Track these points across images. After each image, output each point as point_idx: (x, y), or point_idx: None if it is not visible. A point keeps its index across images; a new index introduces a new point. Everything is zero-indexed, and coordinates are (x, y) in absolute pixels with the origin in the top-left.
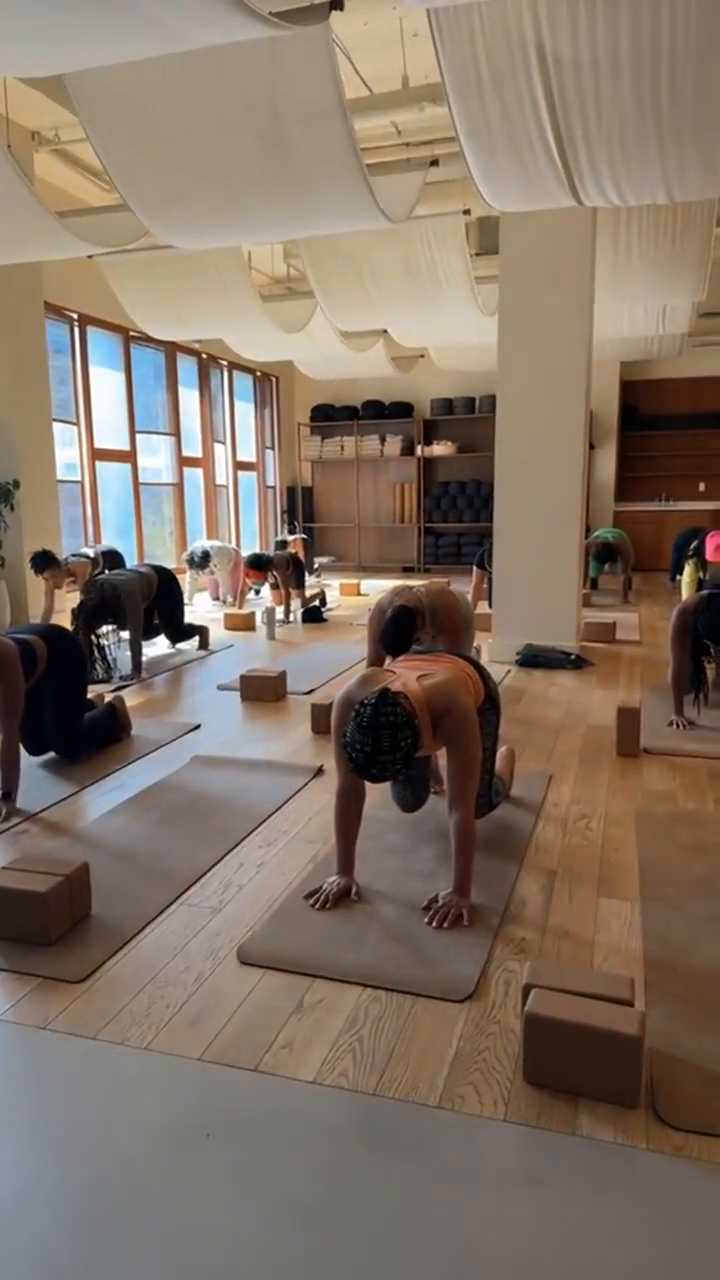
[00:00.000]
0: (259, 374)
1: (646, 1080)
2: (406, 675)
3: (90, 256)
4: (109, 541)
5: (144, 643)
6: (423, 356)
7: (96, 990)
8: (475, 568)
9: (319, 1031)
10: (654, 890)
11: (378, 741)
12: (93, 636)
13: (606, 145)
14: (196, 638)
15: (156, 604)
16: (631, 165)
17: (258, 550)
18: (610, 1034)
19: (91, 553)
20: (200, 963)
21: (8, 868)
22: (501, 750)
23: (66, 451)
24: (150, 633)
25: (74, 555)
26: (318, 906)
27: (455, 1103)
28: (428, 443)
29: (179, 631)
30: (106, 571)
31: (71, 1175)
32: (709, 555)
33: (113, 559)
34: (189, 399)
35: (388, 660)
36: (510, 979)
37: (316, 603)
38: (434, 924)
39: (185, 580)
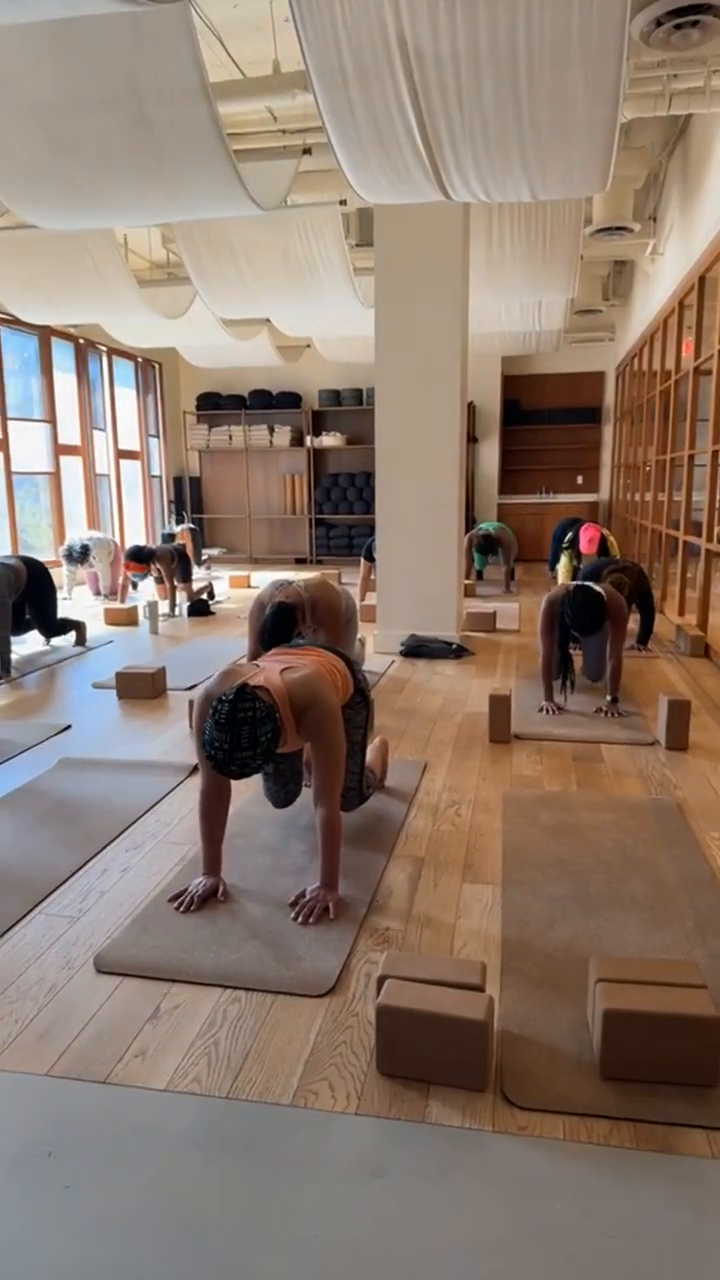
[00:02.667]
0: (141, 360)
1: (496, 1063)
2: (270, 669)
3: None
4: None
5: (14, 639)
6: (309, 347)
7: None
8: (363, 559)
9: (174, 1037)
10: (515, 874)
11: (236, 738)
12: None
13: (470, 142)
14: (73, 633)
15: (26, 598)
16: (495, 162)
17: (140, 542)
18: (457, 1020)
19: None
20: (54, 974)
21: None
22: (374, 742)
23: None
24: (21, 628)
25: None
26: (181, 909)
27: (308, 1099)
28: (317, 434)
29: (52, 626)
30: None
31: None
32: (583, 547)
33: None
34: (65, 385)
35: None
36: (372, 971)
37: (204, 596)
38: (299, 920)
39: (63, 574)
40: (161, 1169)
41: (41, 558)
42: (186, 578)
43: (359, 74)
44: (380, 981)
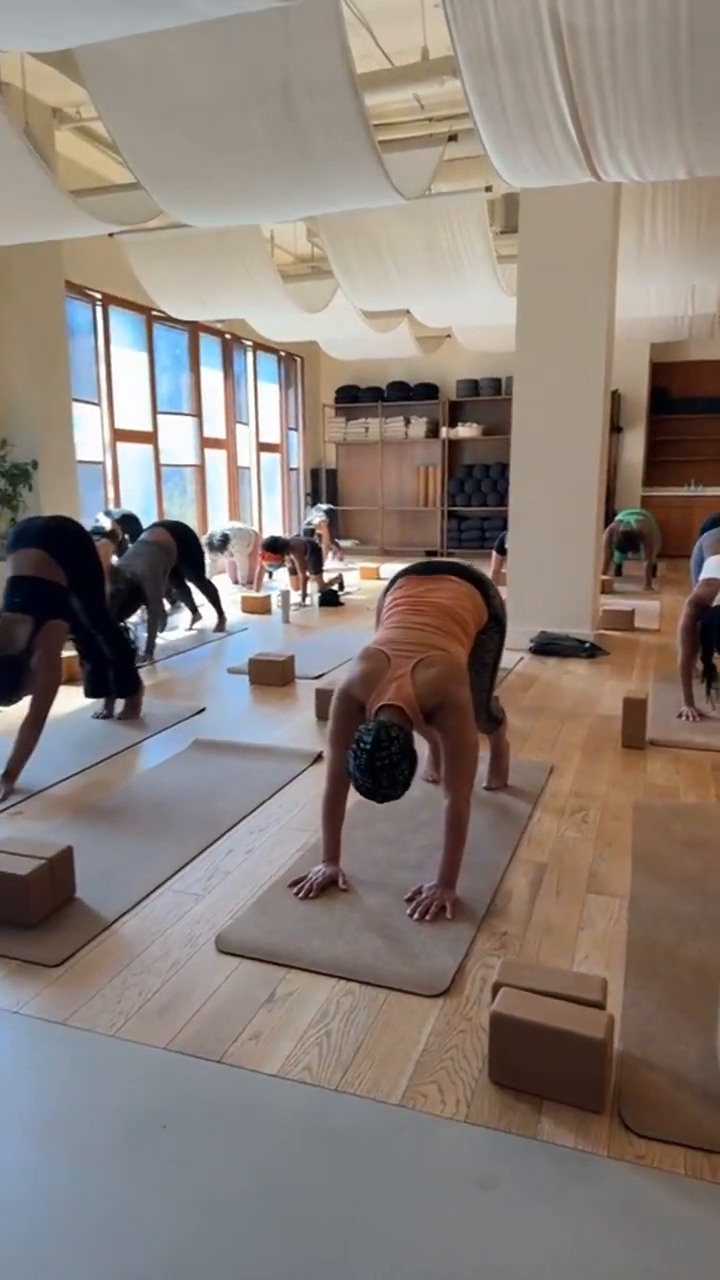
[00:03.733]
0: (284, 354)
1: (614, 1085)
2: (401, 670)
3: (111, 235)
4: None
5: (168, 614)
6: (449, 337)
7: (72, 975)
8: (495, 553)
9: (288, 1024)
10: (644, 887)
11: (377, 781)
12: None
13: (623, 119)
14: (216, 615)
15: (181, 562)
16: (650, 140)
17: (278, 533)
18: (576, 1037)
19: (108, 524)
20: (177, 950)
21: None
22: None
23: (89, 433)
24: (183, 592)
25: (94, 533)
26: (301, 895)
27: (417, 1101)
28: (453, 425)
29: (205, 583)
30: (127, 539)
31: (19, 1162)
32: None
33: (131, 524)
34: (212, 379)
35: (391, 592)
36: (488, 975)
37: (334, 587)
38: (416, 916)
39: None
40: (268, 1155)
41: None
42: (318, 569)
43: (508, 55)
44: (496, 988)
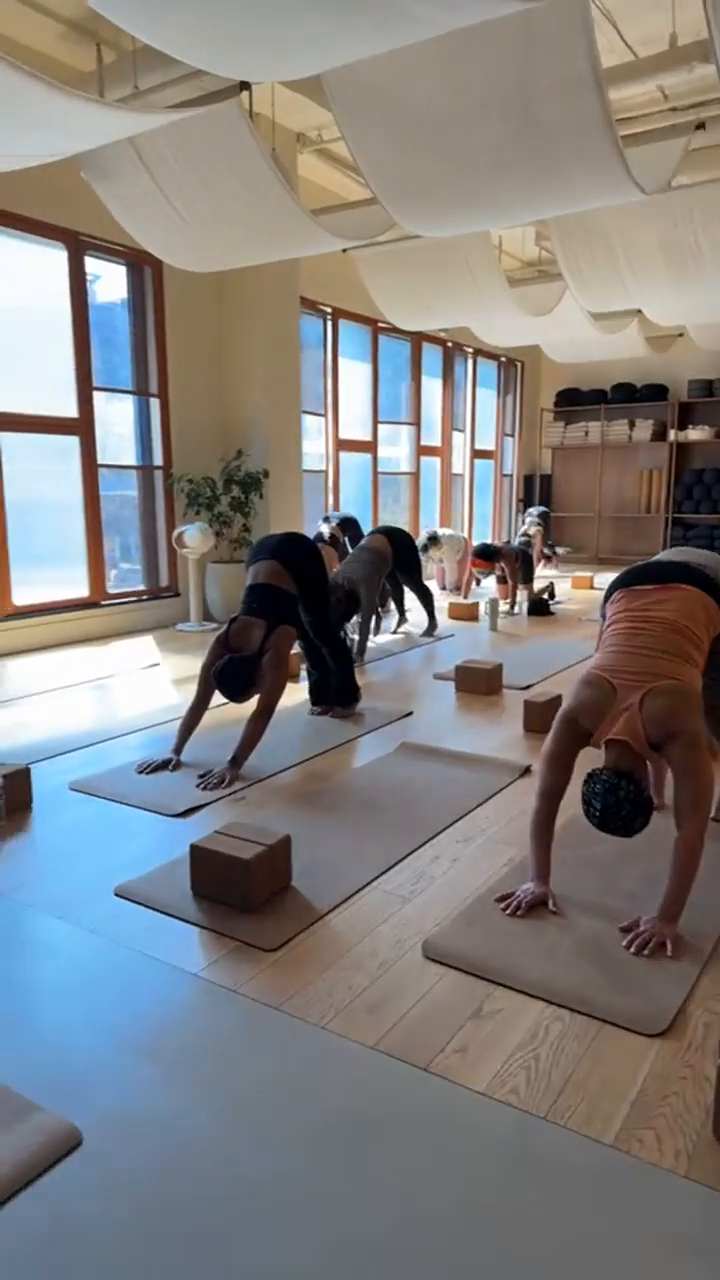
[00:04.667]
0: (504, 360)
1: None
2: (628, 700)
3: (344, 250)
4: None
5: (381, 618)
6: (681, 335)
7: (286, 962)
8: None
9: (495, 1041)
10: None
11: (612, 827)
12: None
13: None
14: (428, 620)
15: (396, 568)
16: None
17: (488, 540)
18: None
19: (327, 531)
20: (385, 950)
21: (220, 832)
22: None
23: (313, 442)
24: (396, 593)
25: (317, 540)
26: (509, 911)
27: (632, 1145)
28: (682, 427)
29: (421, 588)
30: (347, 542)
31: (235, 1138)
32: None
33: (351, 527)
34: (431, 388)
35: (611, 603)
36: (712, 1021)
37: (545, 596)
38: (633, 949)
39: None
40: (471, 1174)
41: None
42: (529, 578)
43: None
44: None
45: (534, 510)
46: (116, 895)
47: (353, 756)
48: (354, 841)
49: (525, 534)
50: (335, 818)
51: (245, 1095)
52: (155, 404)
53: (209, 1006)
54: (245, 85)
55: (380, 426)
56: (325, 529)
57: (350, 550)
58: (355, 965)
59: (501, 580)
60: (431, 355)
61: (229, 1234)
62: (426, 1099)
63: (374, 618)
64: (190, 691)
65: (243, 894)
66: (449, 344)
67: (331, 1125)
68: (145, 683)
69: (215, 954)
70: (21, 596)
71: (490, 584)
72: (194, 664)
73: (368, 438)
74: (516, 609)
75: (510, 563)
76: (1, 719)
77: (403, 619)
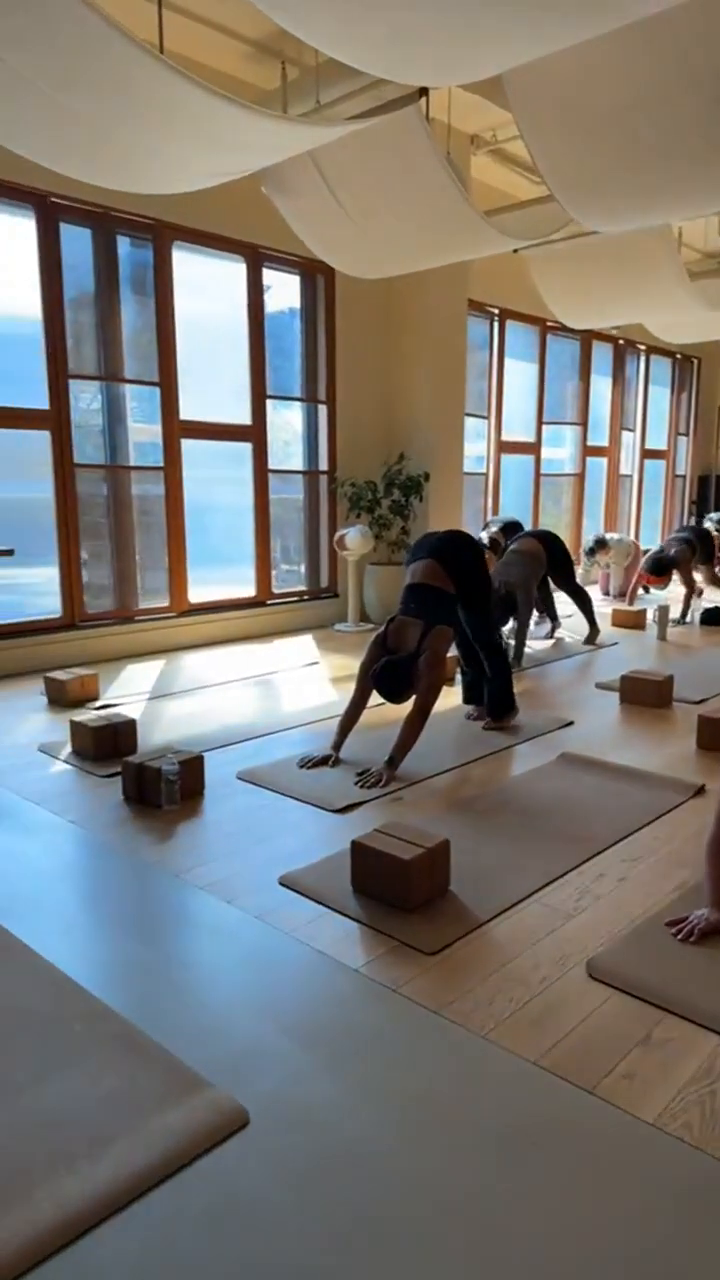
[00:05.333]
0: (679, 356)
1: None
2: None
3: (515, 251)
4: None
5: (533, 621)
6: None
7: (446, 966)
8: None
9: (666, 1072)
10: None
11: None
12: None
13: None
14: (588, 626)
15: (550, 571)
16: None
17: (657, 544)
18: None
19: (487, 537)
20: (548, 966)
21: (380, 831)
22: None
23: (474, 444)
24: (547, 600)
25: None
26: (681, 937)
27: None
28: None
29: (577, 591)
30: (507, 545)
31: (395, 1137)
32: None
33: (514, 530)
34: (600, 387)
35: None
36: None
37: None
38: None
39: (578, 571)
40: (644, 1210)
41: None
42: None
43: None
44: None
45: (714, 515)
46: (280, 884)
47: (510, 764)
48: (513, 851)
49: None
50: (493, 825)
51: (405, 1095)
52: (323, 410)
53: (369, 1003)
54: (424, 91)
55: (545, 427)
56: (486, 535)
57: None
58: (517, 977)
59: (688, 584)
60: (601, 353)
61: (383, 1233)
62: (591, 1122)
63: (529, 623)
64: (347, 690)
65: (402, 894)
66: (620, 341)
67: (491, 1135)
68: (305, 680)
69: (375, 951)
70: (196, 595)
71: (659, 593)
72: (351, 663)
73: (530, 439)
74: (689, 617)
75: (686, 571)
76: (176, 708)
77: (556, 625)
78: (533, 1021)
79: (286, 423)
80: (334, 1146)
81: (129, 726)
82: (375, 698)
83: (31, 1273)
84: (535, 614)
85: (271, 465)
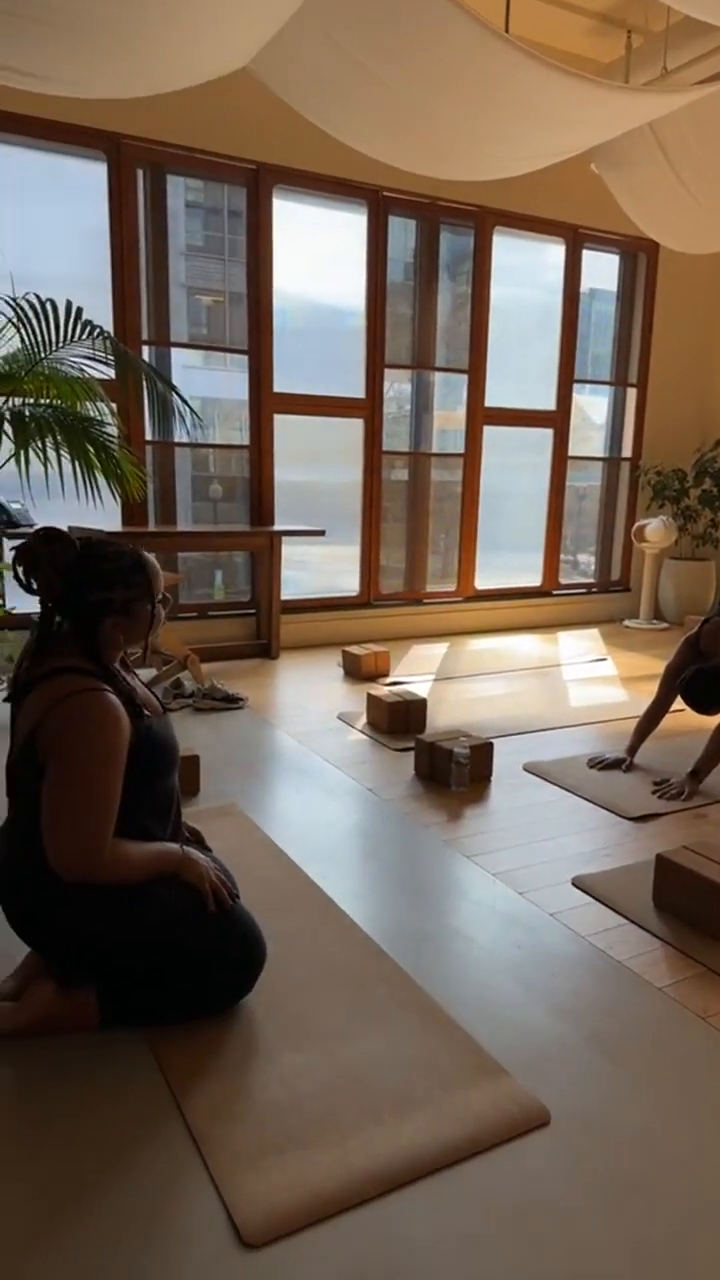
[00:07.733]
0: None
1: None
2: None
3: None
4: None
5: None
6: None
7: None
8: None
9: None
10: None
11: None
12: None
13: None
14: None
15: None
16: None
17: None
18: None
19: None
20: None
21: (688, 848)
22: None
23: None
24: None
25: None
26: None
27: None
28: None
29: None
30: None
31: (700, 1163)
32: None
33: None
34: None
35: None
36: None
37: None
38: None
39: None
40: None
41: None
42: None
43: None
44: None
45: None
46: (573, 885)
47: None
48: None
49: None
50: None
51: (714, 1123)
52: (632, 394)
53: (676, 1025)
54: None
55: None
56: None
57: None
58: None
59: None
60: None
61: (681, 1257)
62: None
63: None
64: (637, 690)
65: (712, 918)
66: None
67: None
68: (591, 676)
69: (681, 974)
70: (482, 581)
71: None
72: (641, 663)
73: None
74: None
75: None
76: (461, 693)
77: None
78: None
79: (590, 407)
80: (645, 1162)
81: (420, 705)
82: (679, 702)
83: (342, 1215)
84: None
85: (571, 452)
